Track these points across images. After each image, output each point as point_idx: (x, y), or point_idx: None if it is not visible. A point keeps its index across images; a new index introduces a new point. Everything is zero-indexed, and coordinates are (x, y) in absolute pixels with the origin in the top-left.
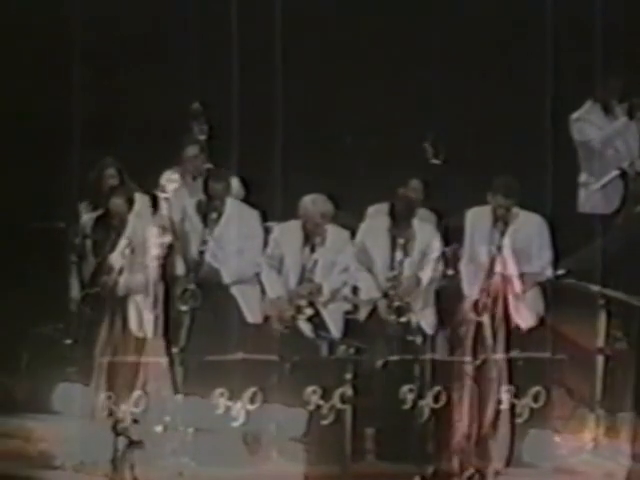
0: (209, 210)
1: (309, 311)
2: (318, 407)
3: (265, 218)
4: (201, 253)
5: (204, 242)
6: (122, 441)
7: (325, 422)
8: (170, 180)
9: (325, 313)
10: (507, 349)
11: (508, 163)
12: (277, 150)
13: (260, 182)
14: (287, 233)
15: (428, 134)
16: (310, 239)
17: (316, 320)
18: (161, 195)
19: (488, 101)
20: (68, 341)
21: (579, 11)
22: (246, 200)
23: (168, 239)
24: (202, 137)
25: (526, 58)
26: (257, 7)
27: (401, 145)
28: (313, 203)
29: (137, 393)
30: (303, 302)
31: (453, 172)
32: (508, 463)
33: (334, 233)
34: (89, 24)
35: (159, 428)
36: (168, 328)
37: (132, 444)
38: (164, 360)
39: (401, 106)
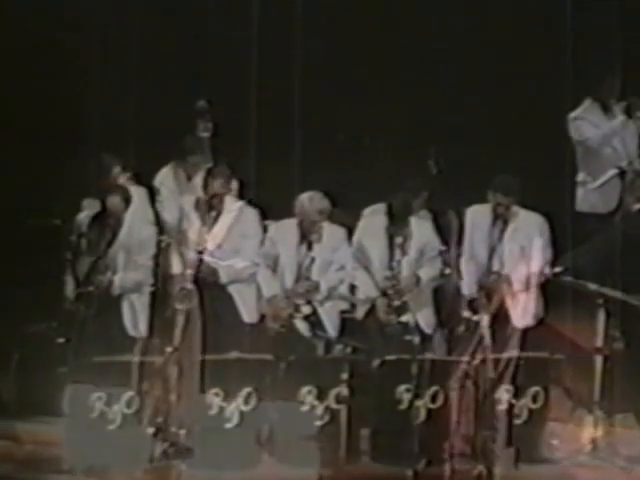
0: (208, 208)
1: (307, 309)
2: (313, 407)
3: (265, 216)
4: (199, 252)
5: (202, 241)
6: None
7: (320, 422)
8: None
9: (322, 312)
10: (505, 349)
11: (508, 162)
12: (295, 147)
13: (259, 180)
14: (283, 231)
15: (430, 151)
16: (306, 237)
17: (313, 319)
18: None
19: (489, 100)
20: (61, 340)
21: (578, 11)
22: (242, 198)
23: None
24: (206, 134)
25: (527, 57)
26: (275, 7)
27: (401, 144)
28: (310, 200)
29: (129, 394)
30: (301, 300)
31: (453, 171)
32: (506, 464)
33: (330, 231)
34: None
35: (151, 429)
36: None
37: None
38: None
39: (402, 106)
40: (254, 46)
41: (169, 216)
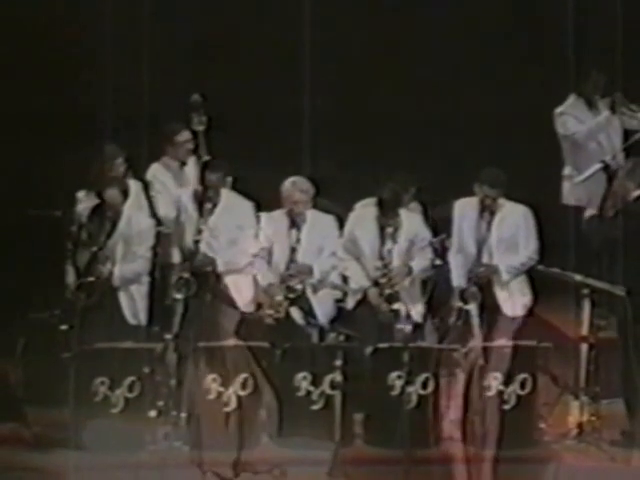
0: (204, 200)
1: (299, 287)
2: (308, 393)
3: (259, 208)
4: (196, 242)
5: (199, 232)
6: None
7: (315, 407)
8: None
9: (314, 300)
10: (494, 337)
11: (495, 155)
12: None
13: (255, 173)
14: (273, 222)
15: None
16: (296, 223)
17: (306, 307)
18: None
19: (479, 95)
20: (64, 327)
21: (564, 7)
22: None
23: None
24: (201, 128)
25: (518, 53)
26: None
27: (390, 137)
28: (293, 183)
29: (131, 379)
30: (293, 281)
31: (441, 164)
32: (495, 449)
33: (318, 217)
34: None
35: (153, 413)
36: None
37: None
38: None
39: (394, 102)
40: (257, 42)
41: (165, 207)
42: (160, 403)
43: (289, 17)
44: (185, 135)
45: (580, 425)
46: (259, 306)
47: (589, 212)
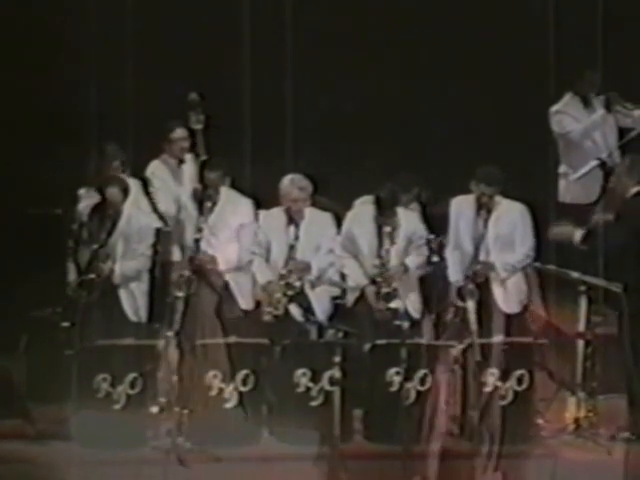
0: (204, 198)
1: (298, 284)
2: (308, 389)
3: (259, 206)
4: (196, 240)
5: (199, 230)
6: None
7: (314, 403)
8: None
9: (313, 297)
10: (491, 334)
11: (491, 153)
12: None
13: (253, 171)
14: (271, 219)
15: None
16: (294, 221)
17: (304, 304)
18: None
19: (474, 93)
20: (66, 324)
21: (562, 7)
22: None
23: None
24: (199, 126)
25: (511, 51)
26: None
27: (389, 137)
28: (291, 181)
29: (133, 375)
30: (292, 278)
31: (438, 162)
32: (492, 445)
33: (316, 215)
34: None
35: (155, 409)
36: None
37: None
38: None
39: (388, 100)
40: (247, 39)
41: (165, 205)
42: (162, 399)
43: (289, 16)
44: (180, 133)
45: (577, 421)
46: (258, 303)
47: (579, 233)
